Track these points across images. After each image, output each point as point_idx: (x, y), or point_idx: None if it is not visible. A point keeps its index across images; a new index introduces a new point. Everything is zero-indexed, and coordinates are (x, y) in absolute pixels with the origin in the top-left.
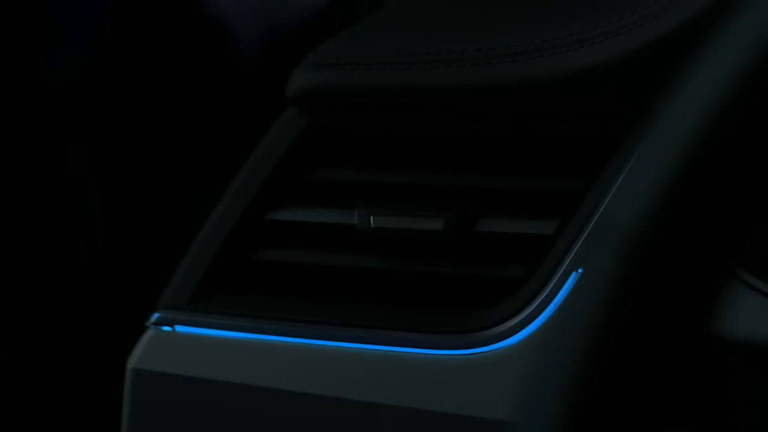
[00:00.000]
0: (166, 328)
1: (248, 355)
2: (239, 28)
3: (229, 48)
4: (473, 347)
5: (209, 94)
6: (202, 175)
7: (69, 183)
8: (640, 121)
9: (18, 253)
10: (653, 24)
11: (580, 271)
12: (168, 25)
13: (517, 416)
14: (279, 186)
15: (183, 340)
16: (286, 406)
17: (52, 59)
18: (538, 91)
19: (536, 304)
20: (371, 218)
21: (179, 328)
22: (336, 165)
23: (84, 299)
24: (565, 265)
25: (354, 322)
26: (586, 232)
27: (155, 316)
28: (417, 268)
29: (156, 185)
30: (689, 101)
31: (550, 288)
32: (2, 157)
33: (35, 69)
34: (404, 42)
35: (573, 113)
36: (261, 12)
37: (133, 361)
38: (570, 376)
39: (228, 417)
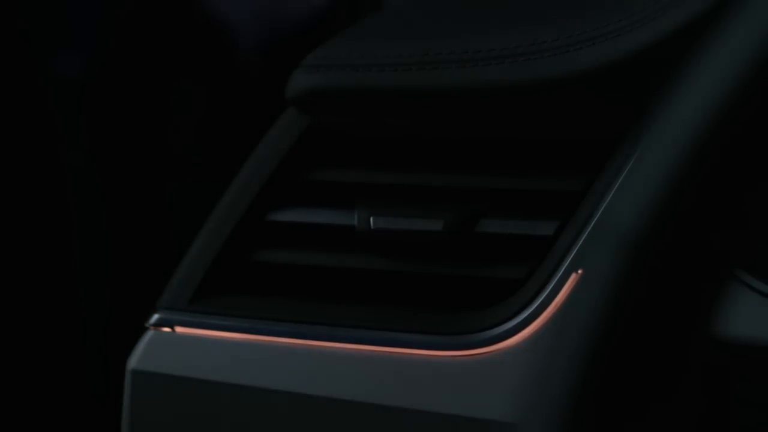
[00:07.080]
0: (166, 329)
1: (248, 356)
2: (239, 28)
3: (229, 49)
4: (473, 348)
5: (209, 95)
6: (202, 176)
7: (68, 183)
8: (640, 122)
9: (17, 254)
10: (653, 25)
11: (580, 271)
12: (168, 25)
13: (516, 417)
14: (279, 187)
15: (183, 341)
16: (287, 406)
17: (52, 59)
18: (538, 91)
19: (536, 304)
20: (371, 219)
21: (179, 329)
22: (336, 166)
23: (83, 299)
24: (565, 266)
25: (354, 323)
26: (586, 232)
27: (155, 317)
28: (417, 268)
29: (155, 185)
30: (689, 102)
31: (550, 288)
32: (1, 157)
33: (35, 69)
34: (404, 43)
35: (573, 114)
36: (261, 13)
37: (132, 362)
38: (570, 376)
39: (228, 418)
